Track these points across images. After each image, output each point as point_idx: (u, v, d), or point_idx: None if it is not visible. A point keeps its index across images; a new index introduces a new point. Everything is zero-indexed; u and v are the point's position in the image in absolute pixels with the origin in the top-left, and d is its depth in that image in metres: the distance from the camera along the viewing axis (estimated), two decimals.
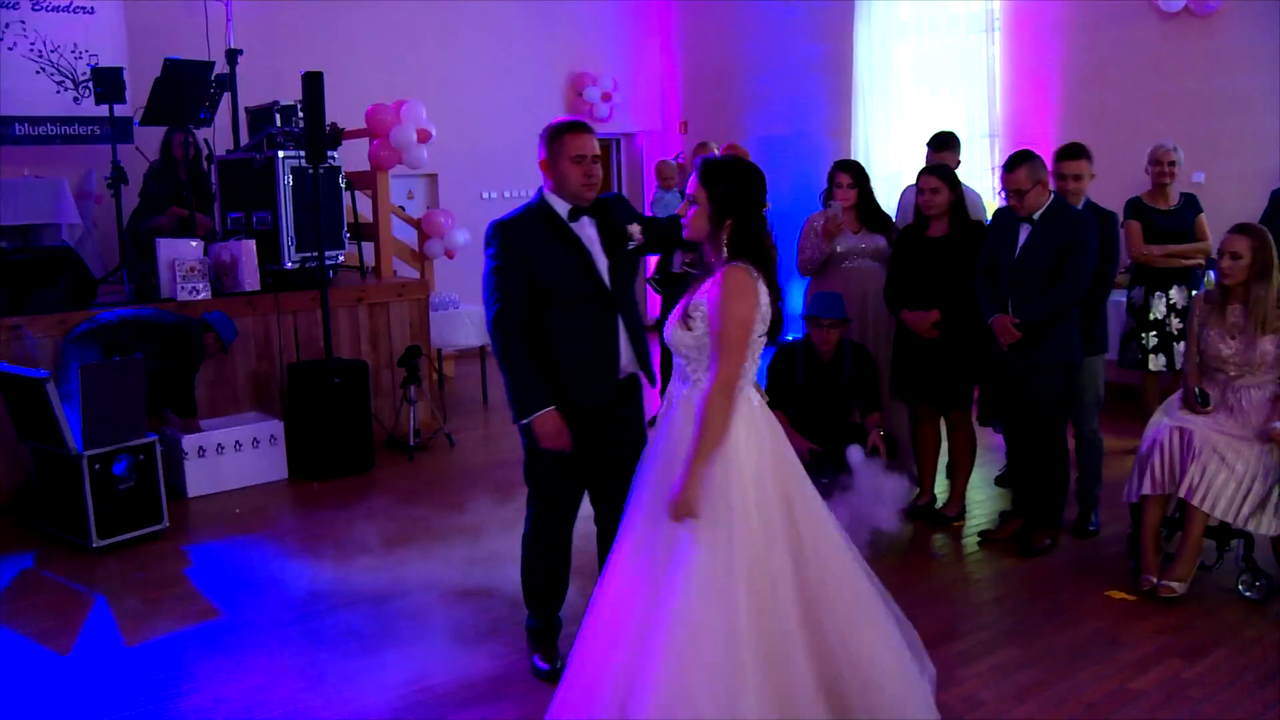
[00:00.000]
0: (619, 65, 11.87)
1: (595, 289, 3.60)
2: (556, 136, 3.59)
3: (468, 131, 10.50)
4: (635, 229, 3.67)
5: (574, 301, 3.59)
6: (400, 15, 10.22)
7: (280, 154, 7.05)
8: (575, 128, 3.61)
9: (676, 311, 3.10)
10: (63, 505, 5.53)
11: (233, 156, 7.35)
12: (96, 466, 5.38)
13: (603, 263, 3.62)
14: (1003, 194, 4.99)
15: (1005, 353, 4.95)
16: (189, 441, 6.26)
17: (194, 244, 6.85)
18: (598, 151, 3.64)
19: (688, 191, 3.10)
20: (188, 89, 7.31)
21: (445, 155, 9.93)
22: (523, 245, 3.56)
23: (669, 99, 12.33)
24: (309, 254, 7.11)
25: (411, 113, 8.23)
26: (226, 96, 7.89)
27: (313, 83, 6.64)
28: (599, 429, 3.66)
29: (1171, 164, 6.46)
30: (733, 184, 3.04)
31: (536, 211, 3.65)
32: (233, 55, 7.85)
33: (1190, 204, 6.53)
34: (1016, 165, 4.86)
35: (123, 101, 7.24)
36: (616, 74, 11.74)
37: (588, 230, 3.64)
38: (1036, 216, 4.88)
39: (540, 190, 3.69)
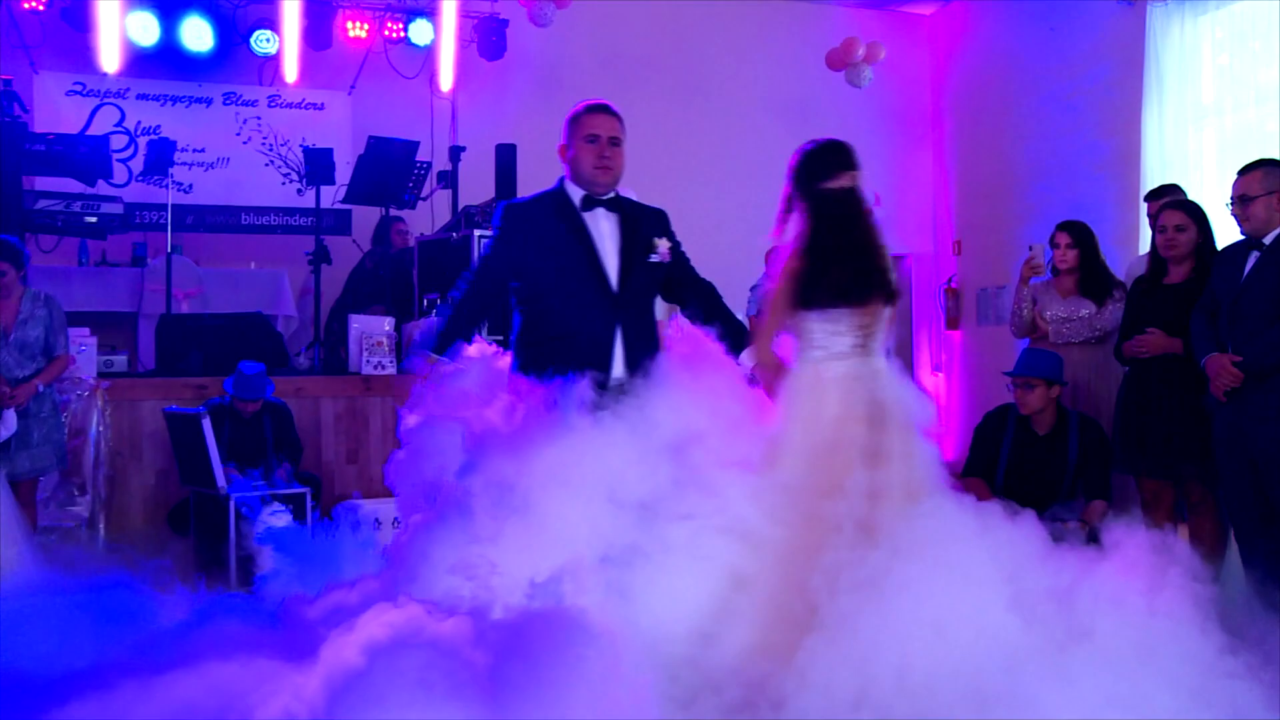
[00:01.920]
0: (883, 181, 11.18)
1: (597, 288, 3.39)
2: (575, 120, 3.50)
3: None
4: (663, 245, 3.50)
5: (572, 298, 3.33)
6: (637, 120, 10.05)
7: (476, 232, 6.96)
8: (592, 108, 3.51)
9: None
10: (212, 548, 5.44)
11: (432, 237, 7.42)
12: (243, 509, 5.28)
13: (612, 263, 3.44)
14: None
15: (1222, 403, 3.91)
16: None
17: (386, 321, 6.85)
18: (617, 134, 3.46)
19: None
20: (392, 168, 7.45)
21: None
22: (527, 231, 3.46)
23: (942, 217, 11.45)
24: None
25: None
26: (447, 193, 7.97)
27: (505, 155, 6.57)
28: None
29: None
30: None
31: (550, 197, 3.55)
32: (456, 152, 8.00)
33: None
34: (1252, 168, 4.03)
35: (331, 183, 7.48)
36: (881, 189, 11.04)
37: (603, 224, 3.47)
38: (1268, 241, 3.97)
39: (561, 178, 3.58)
